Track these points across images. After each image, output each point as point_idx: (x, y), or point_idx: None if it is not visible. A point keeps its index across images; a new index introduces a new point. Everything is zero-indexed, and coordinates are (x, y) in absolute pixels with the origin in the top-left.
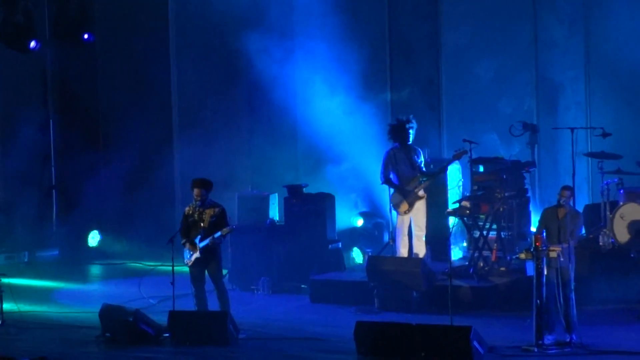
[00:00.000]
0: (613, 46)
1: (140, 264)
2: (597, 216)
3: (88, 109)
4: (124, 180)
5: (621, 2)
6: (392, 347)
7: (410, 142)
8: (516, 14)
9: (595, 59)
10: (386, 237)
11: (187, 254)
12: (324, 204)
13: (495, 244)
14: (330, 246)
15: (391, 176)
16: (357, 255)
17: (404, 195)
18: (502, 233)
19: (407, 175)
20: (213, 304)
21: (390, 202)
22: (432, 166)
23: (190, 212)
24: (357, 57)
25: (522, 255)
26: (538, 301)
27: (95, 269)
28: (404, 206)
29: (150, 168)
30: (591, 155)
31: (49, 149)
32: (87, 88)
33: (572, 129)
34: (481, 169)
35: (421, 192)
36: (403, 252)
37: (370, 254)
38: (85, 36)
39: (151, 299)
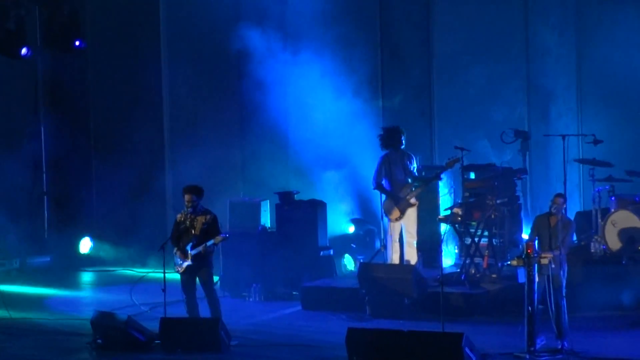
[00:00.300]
0: (604, 54)
1: (132, 270)
2: (589, 223)
3: (79, 116)
4: (115, 187)
5: (613, 10)
6: (383, 354)
7: (403, 147)
8: (508, 21)
9: (586, 66)
10: (378, 244)
11: (177, 260)
12: (315, 210)
13: (487, 251)
14: (322, 253)
15: (383, 182)
16: (348, 262)
17: (396, 202)
18: (493, 240)
19: (400, 180)
20: (205, 311)
21: (382, 208)
22: (423, 173)
23: (182, 219)
24: (349, 65)
25: (514, 262)
26: (529, 308)
27: (86, 276)
28: (396, 213)
29: (142, 174)
30: (582, 161)
31: (41, 156)
32: (78, 95)
33: (564, 136)
34: (472, 175)
35: (413, 200)
36: (394, 258)
37: (361, 260)
38: (77, 43)
39: (143, 306)
